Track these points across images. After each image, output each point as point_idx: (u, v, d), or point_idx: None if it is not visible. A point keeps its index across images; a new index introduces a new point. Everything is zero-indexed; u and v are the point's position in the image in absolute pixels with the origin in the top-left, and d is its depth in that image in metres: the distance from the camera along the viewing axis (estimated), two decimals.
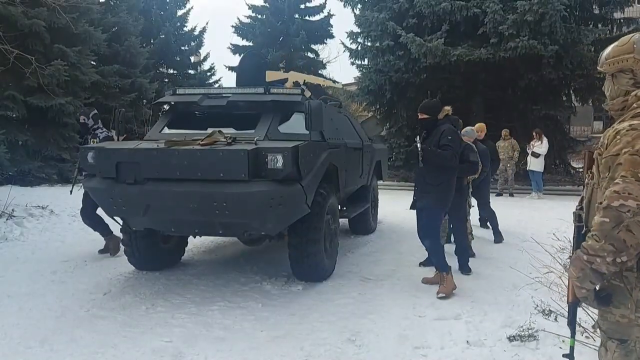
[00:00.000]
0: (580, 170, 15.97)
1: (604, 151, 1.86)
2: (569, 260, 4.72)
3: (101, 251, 6.31)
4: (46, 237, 7.18)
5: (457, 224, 5.74)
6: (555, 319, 3.98)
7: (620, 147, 1.77)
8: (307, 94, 5.55)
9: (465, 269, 5.55)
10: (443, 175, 4.80)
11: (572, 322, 2.10)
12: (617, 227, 1.67)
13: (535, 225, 8.03)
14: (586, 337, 3.41)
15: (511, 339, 3.69)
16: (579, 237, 1.98)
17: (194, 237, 6.07)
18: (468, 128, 6.42)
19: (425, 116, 4.95)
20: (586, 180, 2.02)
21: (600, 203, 1.77)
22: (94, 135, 6.23)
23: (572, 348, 2.12)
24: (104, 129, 6.35)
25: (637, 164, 1.71)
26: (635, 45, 1.89)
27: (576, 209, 2.07)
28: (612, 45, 1.99)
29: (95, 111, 6.55)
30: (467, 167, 5.56)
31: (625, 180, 1.70)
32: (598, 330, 1.99)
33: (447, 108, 5.21)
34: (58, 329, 3.95)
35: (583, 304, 2.00)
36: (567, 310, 3.54)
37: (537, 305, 4.20)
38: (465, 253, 5.66)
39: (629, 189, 1.68)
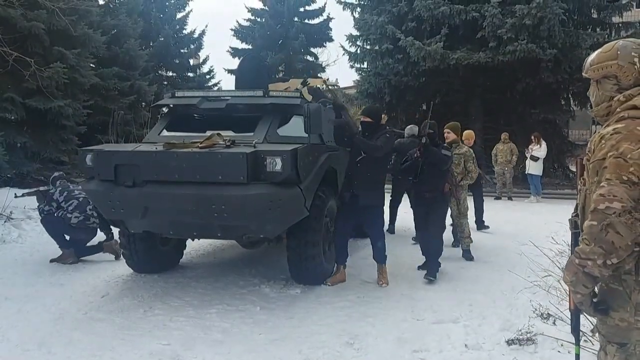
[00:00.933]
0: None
1: (591, 156, 1.88)
2: None
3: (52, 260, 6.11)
4: (44, 239, 7.13)
5: (438, 228, 5.57)
6: (554, 323, 3.98)
7: (605, 151, 1.78)
8: (309, 97, 5.56)
9: (432, 275, 5.36)
10: (383, 174, 5.33)
11: (575, 329, 2.09)
12: (604, 229, 1.68)
13: (534, 228, 8.02)
14: (584, 340, 3.40)
15: (509, 342, 3.69)
16: (576, 243, 1.98)
17: (193, 240, 6.06)
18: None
19: (369, 119, 5.24)
20: (579, 187, 2.03)
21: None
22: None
23: (577, 355, 2.11)
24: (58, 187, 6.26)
25: (621, 167, 1.72)
26: (619, 52, 1.91)
27: (572, 216, 2.08)
28: (596, 52, 2.02)
29: (55, 174, 6.61)
30: (439, 157, 5.42)
31: (610, 183, 1.72)
32: (597, 334, 1.99)
33: (385, 116, 5.44)
34: (56, 331, 3.95)
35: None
36: (565, 314, 3.54)
37: (536, 309, 4.20)
38: (436, 258, 5.47)
39: (613, 191, 1.70)
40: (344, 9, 17.29)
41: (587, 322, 3.39)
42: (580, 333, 3.22)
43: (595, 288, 1.91)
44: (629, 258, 1.73)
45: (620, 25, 15.04)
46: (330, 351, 3.63)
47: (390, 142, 5.25)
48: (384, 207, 5.60)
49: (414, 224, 6.04)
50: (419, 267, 5.75)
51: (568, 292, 1.99)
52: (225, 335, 3.92)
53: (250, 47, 23.80)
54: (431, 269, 5.44)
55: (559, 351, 3.54)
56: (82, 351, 3.59)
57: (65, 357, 3.51)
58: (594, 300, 1.89)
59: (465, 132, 7.64)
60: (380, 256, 5.34)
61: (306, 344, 3.73)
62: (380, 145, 5.01)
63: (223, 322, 4.17)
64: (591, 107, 2.13)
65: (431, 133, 5.53)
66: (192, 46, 23.19)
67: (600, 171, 1.79)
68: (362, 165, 5.05)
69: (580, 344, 3.35)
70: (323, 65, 25.05)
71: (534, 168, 12.34)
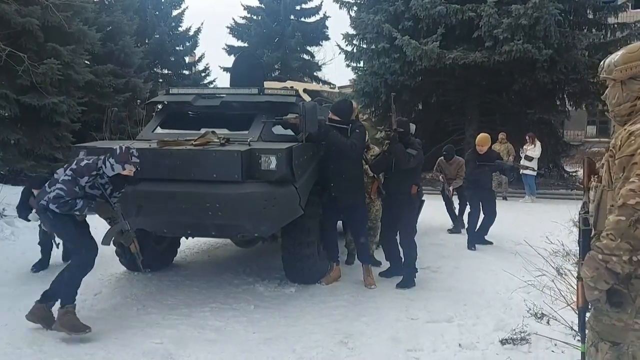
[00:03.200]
0: (574, 174, 16.03)
1: (616, 152, 1.88)
2: (562, 264, 4.73)
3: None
4: (37, 236, 7.10)
5: (405, 234, 5.30)
6: (548, 322, 3.98)
7: (635, 147, 1.79)
8: (307, 98, 5.52)
9: (407, 284, 5.13)
10: (359, 171, 5.16)
11: (582, 327, 2.08)
12: (633, 225, 1.67)
13: (529, 228, 8.04)
14: (578, 340, 3.41)
15: (503, 342, 3.69)
16: (586, 240, 1.97)
17: (187, 238, 6.04)
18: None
19: (337, 118, 5.01)
20: (593, 183, 2.02)
21: (612, 205, 1.79)
22: None
23: (583, 354, 2.09)
24: None
25: None
26: None
27: (581, 213, 2.07)
28: (620, 53, 2.00)
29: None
30: (398, 154, 5.07)
31: None
32: (589, 330, 1.99)
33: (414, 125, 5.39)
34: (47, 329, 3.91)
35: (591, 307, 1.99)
36: (560, 314, 3.54)
37: (530, 309, 4.20)
38: (412, 267, 5.22)
39: None
40: (340, 7, 17.25)
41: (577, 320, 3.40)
42: (569, 329, 3.22)
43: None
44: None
45: (615, 26, 15.07)
46: (324, 350, 3.62)
47: (363, 137, 5.06)
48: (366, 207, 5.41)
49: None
50: (381, 274, 5.48)
51: (576, 290, 1.97)
52: (218, 334, 3.90)
53: (246, 45, 23.74)
54: (406, 277, 5.16)
55: (552, 351, 3.54)
56: (73, 350, 3.57)
57: (56, 356, 3.48)
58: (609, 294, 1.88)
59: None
60: (364, 255, 5.29)
61: (300, 343, 3.72)
62: (354, 143, 4.86)
63: (217, 321, 4.16)
64: (587, 107, 2.14)
65: (400, 132, 5.16)
66: (187, 44, 23.08)
67: (628, 167, 1.79)
68: (336, 164, 4.96)
69: (572, 343, 3.37)
70: (319, 64, 25.02)
71: (528, 168, 12.36)
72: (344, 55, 17.30)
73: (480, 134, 7.59)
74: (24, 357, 3.47)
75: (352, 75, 18.43)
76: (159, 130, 5.38)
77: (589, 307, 1.97)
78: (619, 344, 1.85)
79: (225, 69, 22.98)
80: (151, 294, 4.81)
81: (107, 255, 6.04)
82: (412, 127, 5.87)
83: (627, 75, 1.95)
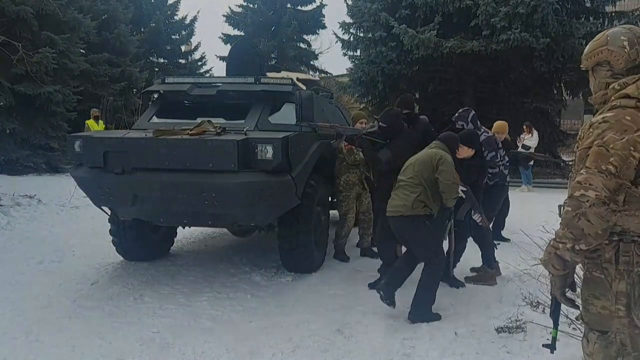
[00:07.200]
0: (570, 162, 16.07)
1: (580, 144, 1.91)
2: None
3: None
4: (33, 226, 7.10)
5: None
6: (543, 311, 4.00)
7: (591, 139, 1.82)
8: (302, 87, 5.51)
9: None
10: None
11: (554, 312, 2.13)
12: (577, 216, 1.73)
13: (525, 218, 8.05)
14: (573, 328, 3.43)
15: (499, 330, 3.71)
16: None
17: (183, 228, 6.03)
18: None
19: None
20: (570, 174, 2.05)
21: None
22: None
23: (554, 339, 2.15)
24: None
25: (602, 156, 1.75)
26: (608, 38, 1.95)
27: (563, 202, 2.10)
28: (590, 42, 2.06)
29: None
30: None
31: (588, 171, 1.76)
32: (581, 321, 2.02)
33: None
34: (44, 319, 3.92)
35: (568, 294, 2.02)
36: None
37: (525, 297, 4.21)
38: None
39: (590, 180, 1.74)
40: None
41: (575, 310, 3.41)
42: (565, 318, 3.23)
43: (578, 277, 1.94)
44: (608, 247, 1.78)
45: (613, 14, 15.02)
46: (320, 339, 3.63)
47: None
48: None
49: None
50: (371, 285, 4.70)
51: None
52: (215, 323, 3.91)
53: (242, 33, 23.61)
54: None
55: (547, 339, 3.53)
56: (70, 339, 3.57)
57: (53, 345, 3.48)
58: (566, 290, 1.96)
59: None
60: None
61: (296, 332, 3.73)
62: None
63: (213, 309, 4.16)
64: (584, 96, 2.17)
65: (407, 112, 4.89)
66: (183, 32, 22.98)
67: (585, 159, 1.81)
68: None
69: (568, 331, 3.39)
70: (316, 52, 24.90)
71: None
72: (341, 44, 17.23)
73: (498, 121, 6.91)
74: (20, 346, 3.47)
75: (349, 64, 18.38)
76: (155, 119, 5.36)
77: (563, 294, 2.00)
78: (606, 333, 1.88)
79: (222, 58, 22.87)
80: (148, 284, 4.81)
81: (103, 245, 6.07)
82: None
83: (593, 62, 2.01)
